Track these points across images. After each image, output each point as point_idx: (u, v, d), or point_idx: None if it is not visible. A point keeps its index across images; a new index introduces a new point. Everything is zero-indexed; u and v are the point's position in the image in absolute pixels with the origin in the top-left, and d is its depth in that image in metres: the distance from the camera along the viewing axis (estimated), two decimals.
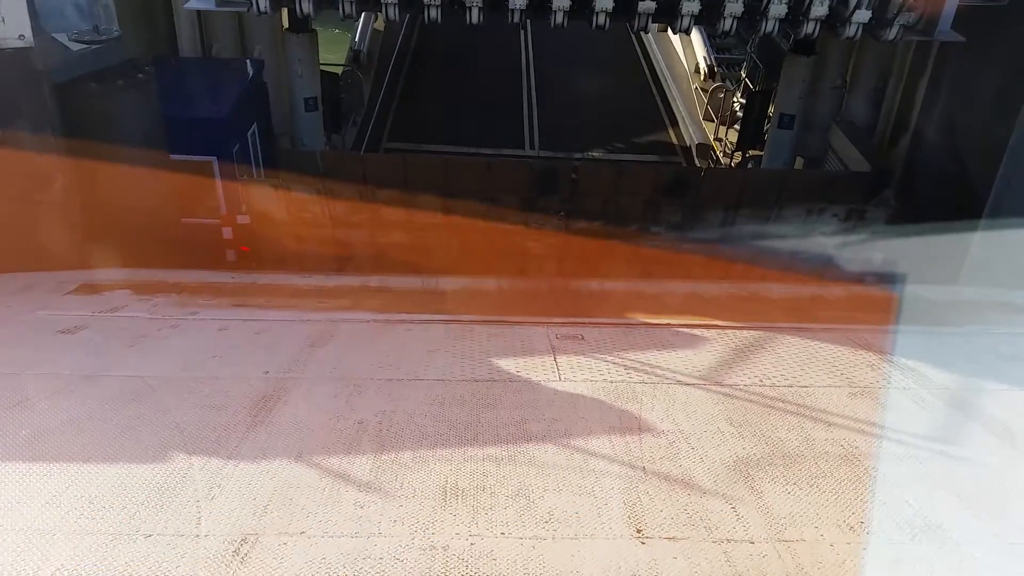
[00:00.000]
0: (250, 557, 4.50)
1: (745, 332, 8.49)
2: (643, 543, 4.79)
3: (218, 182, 11.46)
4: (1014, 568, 4.71)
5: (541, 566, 4.54)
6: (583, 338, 8.12)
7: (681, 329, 8.52)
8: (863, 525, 5.04)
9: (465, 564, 4.52)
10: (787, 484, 5.51)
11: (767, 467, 5.74)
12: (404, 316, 8.62)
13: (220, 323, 8.45)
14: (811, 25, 12.03)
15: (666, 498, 5.28)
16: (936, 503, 5.29)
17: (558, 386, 6.93)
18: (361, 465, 5.53)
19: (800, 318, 9.32)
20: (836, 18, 11.95)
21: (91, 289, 9.65)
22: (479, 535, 4.79)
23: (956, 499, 5.36)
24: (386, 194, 11.84)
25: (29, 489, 5.06)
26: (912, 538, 4.90)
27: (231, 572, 4.36)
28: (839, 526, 5.03)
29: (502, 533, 4.82)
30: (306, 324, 8.40)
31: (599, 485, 5.39)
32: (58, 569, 4.34)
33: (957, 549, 4.80)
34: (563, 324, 8.50)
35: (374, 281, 10.38)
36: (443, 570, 4.45)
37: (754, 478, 5.58)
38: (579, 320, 8.68)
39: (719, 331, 8.53)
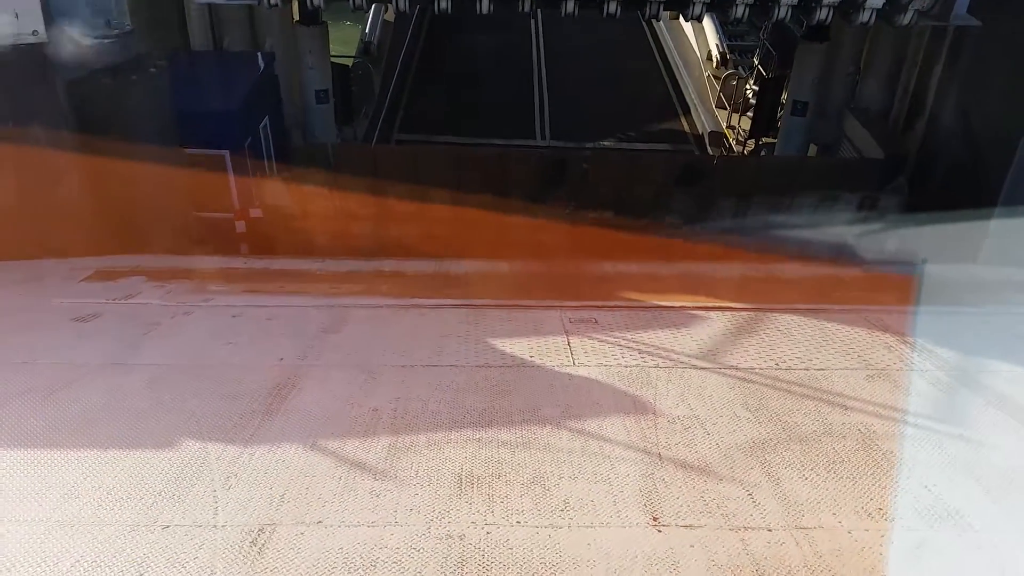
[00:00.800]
0: (267, 547, 4.51)
1: (760, 314, 8.42)
2: (660, 531, 4.78)
3: (231, 176, 11.46)
4: None
5: (558, 555, 4.53)
6: (596, 322, 8.08)
7: (696, 312, 8.46)
8: (882, 511, 5.00)
9: (482, 553, 4.52)
10: (804, 470, 5.48)
11: (784, 452, 5.70)
12: (417, 301, 8.60)
13: (233, 310, 8.45)
14: (824, 11, 11.94)
15: (682, 485, 5.25)
16: (956, 488, 5.24)
17: (572, 371, 6.90)
18: (376, 453, 5.53)
19: (816, 299, 9.23)
20: (850, 4, 11.82)
21: (105, 276, 9.67)
22: (495, 524, 4.79)
23: (975, 484, 5.31)
24: (398, 186, 11.82)
25: (47, 480, 5.09)
26: (931, 525, 4.86)
27: (249, 563, 4.38)
28: (857, 512, 4.99)
29: (518, 522, 4.82)
30: (319, 310, 8.40)
31: (615, 472, 5.37)
32: (77, 561, 4.37)
33: (977, 536, 4.76)
34: (576, 308, 8.45)
35: (387, 265, 10.35)
36: (460, 560, 4.45)
37: (771, 464, 5.55)
38: (592, 303, 8.63)
39: (734, 313, 8.47)
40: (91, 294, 8.94)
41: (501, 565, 4.42)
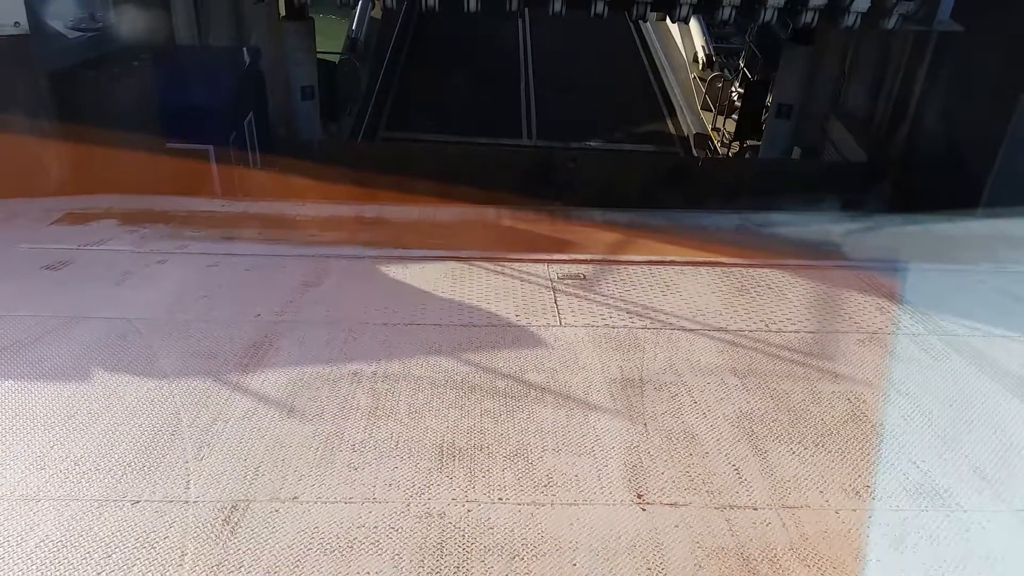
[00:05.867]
0: (241, 526, 4.37)
1: (751, 270, 8.25)
2: (644, 509, 4.67)
3: (215, 171, 11.21)
4: (1021, 538, 4.60)
5: (539, 535, 4.42)
6: (584, 277, 7.88)
7: (685, 267, 8.26)
8: (869, 490, 4.92)
9: (462, 533, 4.40)
10: (792, 443, 5.37)
11: (771, 424, 5.59)
12: (400, 252, 8.35)
13: (210, 258, 8.18)
14: (810, 14, 12.19)
15: (668, 459, 5.14)
16: (945, 466, 5.16)
17: (558, 332, 6.72)
18: (355, 421, 5.37)
19: (808, 253, 9.06)
20: (835, 7, 12.01)
21: (77, 219, 9.34)
22: (476, 501, 4.66)
23: (965, 461, 5.23)
24: (383, 184, 11.52)
25: (12, 450, 4.91)
26: (919, 505, 4.78)
27: (221, 543, 4.24)
28: (845, 491, 4.90)
29: (500, 498, 4.70)
30: (299, 260, 8.14)
31: (599, 445, 5.24)
32: (44, 539, 4.21)
33: (965, 517, 4.69)
34: (564, 261, 8.24)
35: (369, 211, 10.05)
36: (439, 541, 4.33)
37: (758, 436, 5.44)
38: (580, 257, 8.42)
39: (724, 269, 8.30)
40: (62, 239, 8.62)
41: (482, 547, 4.31)
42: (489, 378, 5.96)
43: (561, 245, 8.91)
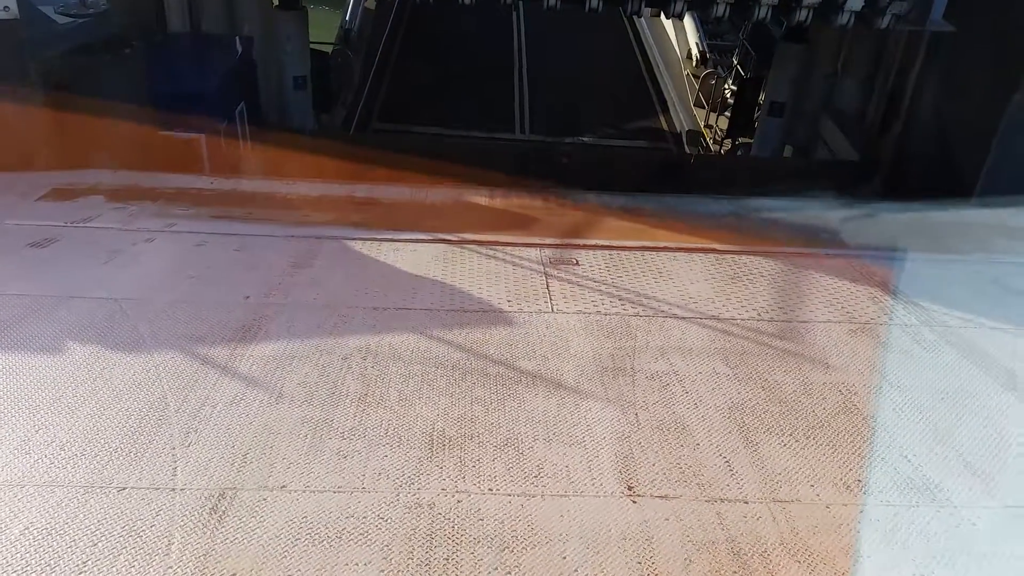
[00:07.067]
0: (228, 515, 4.32)
1: (744, 257, 8.22)
2: (634, 502, 4.65)
3: (205, 160, 11.07)
4: (1010, 534, 4.61)
5: (529, 527, 4.40)
6: (577, 263, 7.82)
7: (678, 253, 8.22)
8: (860, 484, 4.92)
9: (452, 525, 4.37)
10: (783, 435, 5.36)
11: (763, 415, 5.57)
12: (392, 234, 8.24)
13: (198, 237, 8.08)
14: (804, 12, 12.25)
15: (658, 450, 5.12)
16: (935, 459, 5.16)
17: (550, 319, 6.68)
18: (344, 408, 5.32)
19: (801, 240, 9.02)
20: (829, 6, 12.05)
21: (63, 195, 9.20)
22: (466, 491, 4.63)
23: (955, 454, 5.23)
24: (375, 174, 11.39)
25: None
26: (910, 500, 4.78)
27: (208, 532, 4.20)
28: (836, 485, 4.90)
29: (490, 489, 4.67)
30: (289, 241, 8.04)
31: (590, 435, 5.21)
32: (28, 527, 4.16)
33: (955, 513, 4.70)
34: (557, 246, 8.18)
35: (360, 191, 9.93)
36: (428, 532, 4.30)
37: (749, 427, 5.42)
38: (573, 242, 8.36)
39: (717, 255, 8.26)
40: (48, 215, 8.49)
41: (471, 539, 4.28)
42: (480, 365, 5.92)
43: (554, 229, 8.83)
